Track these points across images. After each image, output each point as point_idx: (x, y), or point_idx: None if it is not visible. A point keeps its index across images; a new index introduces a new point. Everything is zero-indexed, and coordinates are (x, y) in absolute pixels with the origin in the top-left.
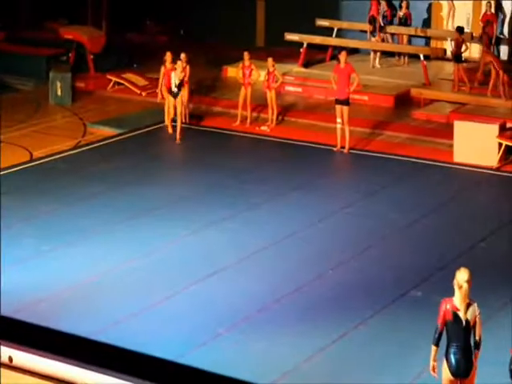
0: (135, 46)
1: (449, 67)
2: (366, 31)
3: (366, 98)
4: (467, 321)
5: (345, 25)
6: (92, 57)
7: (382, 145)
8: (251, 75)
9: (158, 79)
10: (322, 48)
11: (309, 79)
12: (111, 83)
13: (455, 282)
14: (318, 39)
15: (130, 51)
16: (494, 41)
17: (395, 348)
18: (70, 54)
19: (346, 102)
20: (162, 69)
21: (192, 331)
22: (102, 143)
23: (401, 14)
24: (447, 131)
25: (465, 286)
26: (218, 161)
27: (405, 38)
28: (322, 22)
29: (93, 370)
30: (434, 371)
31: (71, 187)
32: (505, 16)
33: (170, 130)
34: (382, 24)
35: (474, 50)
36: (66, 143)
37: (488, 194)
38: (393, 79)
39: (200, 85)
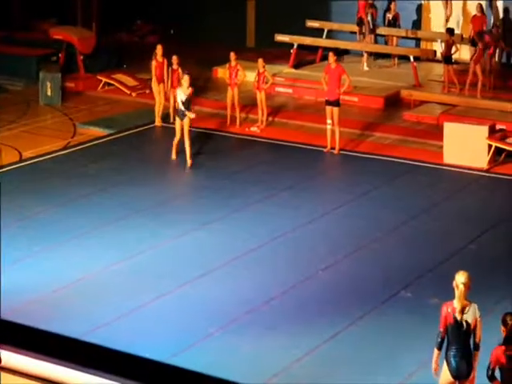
0: (125, 47)
1: (439, 69)
2: (356, 32)
3: (356, 99)
4: (467, 323)
5: (335, 26)
6: (82, 57)
7: (372, 146)
8: (237, 76)
9: (148, 80)
10: (313, 49)
11: (299, 80)
12: (101, 84)
13: (454, 283)
14: (308, 40)
15: (120, 52)
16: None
17: (385, 349)
18: (60, 55)
19: (336, 103)
20: (153, 62)
21: (182, 332)
22: (91, 144)
23: (390, 15)
24: (437, 133)
25: (461, 287)
26: (208, 162)
27: (394, 40)
28: (313, 23)
29: (83, 371)
30: (436, 374)
31: (61, 188)
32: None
33: (175, 156)
34: (372, 26)
35: (464, 52)
36: (56, 143)
37: (478, 195)
38: (383, 80)
39: (191, 85)
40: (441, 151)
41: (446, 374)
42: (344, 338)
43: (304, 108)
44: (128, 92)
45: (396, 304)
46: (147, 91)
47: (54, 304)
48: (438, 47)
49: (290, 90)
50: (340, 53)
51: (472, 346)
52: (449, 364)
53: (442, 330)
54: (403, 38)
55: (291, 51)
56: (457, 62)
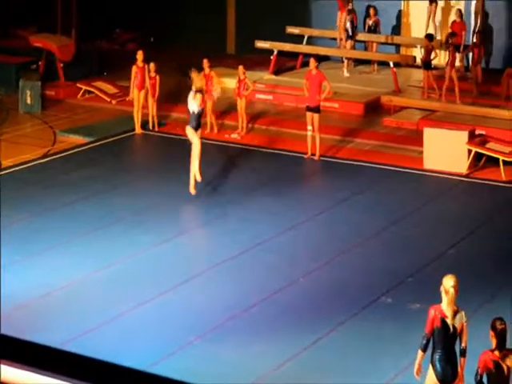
0: (105, 55)
1: (418, 74)
2: (336, 39)
3: (336, 105)
4: (454, 327)
5: (315, 32)
6: (62, 65)
7: (352, 152)
8: (212, 83)
9: (128, 87)
10: (293, 55)
11: (279, 87)
12: (81, 91)
13: (442, 288)
14: (288, 46)
15: (100, 59)
16: (462, 48)
17: (366, 354)
18: (40, 63)
19: (316, 110)
20: (134, 68)
21: (163, 340)
22: (72, 152)
23: (370, 21)
24: (417, 138)
25: (451, 291)
26: (188, 169)
27: (374, 46)
28: (293, 30)
29: (62, 380)
30: (418, 375)
31: (41, 197)
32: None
33: (193, 190)
34: (351, 32)
35: (444, 58)
36: (36, 152)
37: (458, 200)
38: (363, 87)
39: (170, 93)
40: (421, 157)
41: (431, 378)
42: (325, 344)
43: (284, 114)
44: (108, 100)
45: (377, 309)
46: (127, 99)
47: (34, 313)
48: (418, 53)
49: (270, 97)
50: (320, 59)
51: (458, 352)
52: (434, 368)
53: (428, 332)
54: (383, 43)
55: (271, 57)
56: (436, 68)
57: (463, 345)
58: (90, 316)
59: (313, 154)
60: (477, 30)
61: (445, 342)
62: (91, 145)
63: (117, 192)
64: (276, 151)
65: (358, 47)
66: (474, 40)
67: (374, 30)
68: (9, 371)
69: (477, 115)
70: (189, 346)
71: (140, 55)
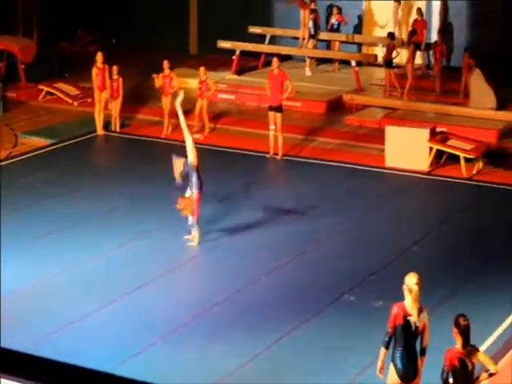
0: (67, 56)
1: (380, 73)
2: (298, 38)
3: (298, 104)
4: (416, 326)
5: (278, 32)
6: (23, 67)
7: (314, 151)
8: (171, 84)
9: (90, 89)
10: (256, 55)
11: (242, 86)
12: (43, 93)
13: (405, 286)
14: (250, 46)
15: (62, 61)
16: (423, 46)
17: (329, 352)
18: (1, 64)
19: (279, 109)
20: (94, 70)
21: (125, 341)
22: (33, 154)
23: (333, 20)
24: (379, 136)
25: (415, 288)
26: (150, 170)
27: (337, 45)
28: (255, 30)
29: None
30: (381, 373)
31: (2, 199)
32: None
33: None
34: (314, 31)
35: (405, 56)
36: None
37: (420, 197)
38: (325, 85)
39: (132, 94)
40: (383, 155)
41: (393, 376)
42: (288, 343)
43: (247, 114)
44: (70, 101)
45: (340, 307)
46: (89, 100)
47: None
48: (380, 52)
49: (232, 97)
50: (283, 58)
51: (418, 351)
52: (395, 366)
53: (390, 329)
54: (345, 42)
55: (234, 57)
56: (398, 66)
57: (424, 343)
58: (51, 319)
59: (275, 154)
60: (438, 28)
61: (406, 340)
62: (53, 147)
63: (77, 194)
64: (238, 151)
65: (320, 46)
66: (436, 38)
67: (337, 29)
68: None
69: (438, 113)
70: (151, 346)
71: (100, 57)
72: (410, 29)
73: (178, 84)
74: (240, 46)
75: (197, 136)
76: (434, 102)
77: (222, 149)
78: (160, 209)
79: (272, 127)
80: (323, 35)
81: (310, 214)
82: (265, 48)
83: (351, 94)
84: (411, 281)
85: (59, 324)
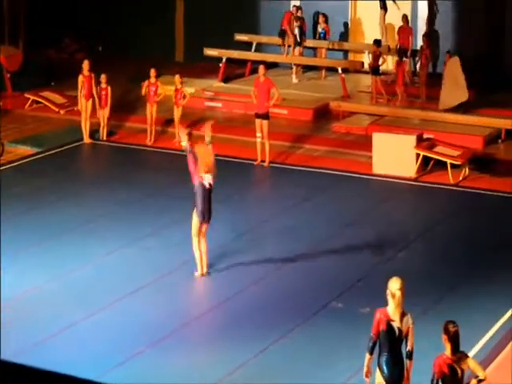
0: (53, 64)
1: (367, 80)
2: (285, 45)
3: (285, 111)
4: (400, 330)
5: (264, 39)
6: (9, 75)
7: (301, 158)
8: (157, 93)
9: (76, 97)
10: (242, 63)
11: (228, 94)
12: (29, 102)
13: (388, 291)
14: (236, 54)
15: (48, 69)
16: (409, 53)
17: (317, 359)
18: None
19: (265, 116)
20: (80, 78)
21: (114, 349)
22: (20, 162)
23: (319, 28)
24: (366, 143)
25: (398, 294)
26: (138, 178)
27: (323, 52)
28: (241, 37)
29: None
30: (367, 377)
31: None
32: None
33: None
34: (299, 38)
35: (391, 63)
36: None
37: (407, 204)
38: (312, 93)
39: (120, 102)
40: (370, 161)
41: (379, 380)
42: (276, 350)
43: (233, 121)
44: (56, 110)
45: (327, 315)
46: (76, 108)
47: None
48: (366, 58)
49: (219, 104)
50: (269, 66)
51: (404, 355)
52: (381, 370)
53: (373, 335)
54: (332, 49)
55: (220, 65)
56: (384, 73)
57: (409, 348)
58: (40, 327)
59: (262, 161)
60: (424, 32)
61: (391, 345)
62: (40, 155)
63: (65, 202)
64: (226, 158)
65: (306, 54)
66: (422, 44)
67: (323, 37)
68: None
69: (425, 119)
70: (140, 354)
71: (86, 65)
72: (396, 36)
73: (163, 92)
74: (226, 53)
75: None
76: (421, 109)
77: None
78: (148, 216)
79: (259, 134)
80: (309, 42)
81: (296, 221)
82: (251, 55)
83: (338, 101)
84: (394, 286)
85: (47, 333)
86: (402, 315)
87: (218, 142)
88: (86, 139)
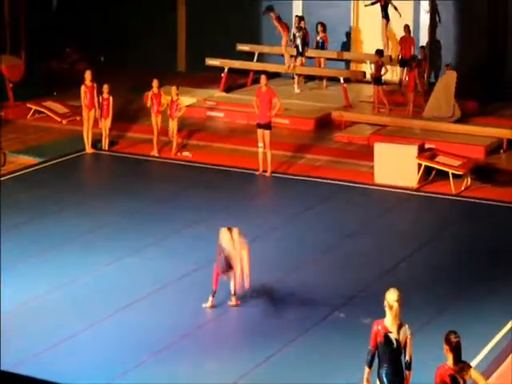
0: (55, 74)
1: (368, 90)
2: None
3: (287, 121)
4: (398, 342)
5: (266, 49)
6: (11, 85)
7: (303, 168)
8: (160, 103)
9: (78, 107)
10: (244, 73)
11: (230, 104)
12: (31, 111)
13: (385, 302)
14: (238, 64)
15: (50, 79)
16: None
17: (320, 369)
18: None
19: (267, 126)
20: (83, 88)
21: (115, 360)
22: (22, 172)
23: (318, 38)
24: (368, 153)
25: (395, 305)
26: (140, 188)
27: (322, 62)
28: (243, 47)
29: None
30: None
31: None
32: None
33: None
34: (302, 48)
35: (393, 73)
36: None
37: (408, 214)
38: (313, 102)
39: (121, 112)
40: (372, 171)
41: None
42: (278, 361)
43: (235, 131)
44: (58, 119)
45: (330, 325)
46: (78, 118)
47: None
48: (368, 68)
49: (221, 114)
50: (271, 76)
51: (403, 365)
52: (381, 382)
53: (372, 347)
54: (333, 59)
55: (222, 75)
56: (386, 83)
57: (407, 358)
58: (40, 337)
59: (264, 171)
60: (420, 45)
61: (390, 357)
62: (42, 165)
63: (67, 212)
64: (228, 168)
65: (308, 64)
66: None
67: (321, 46)
68: None
69: (426, 129)
70: (141, 365)
71: (88, 75)
72: (398, 47)
73: (165, 102)
74: (228, 63)
75: (186, 153)
76: (422, 119)
77: (211, 166)
78: (150, 226)
79: (261, 144)
80: (311, 52)
81: (298, 230)
82: (253, 65)
83: (340, 111)
84: (391, 297)
85: (49, 343)
86: (400, 326)
87: (220, 152)
88: (88, 149)
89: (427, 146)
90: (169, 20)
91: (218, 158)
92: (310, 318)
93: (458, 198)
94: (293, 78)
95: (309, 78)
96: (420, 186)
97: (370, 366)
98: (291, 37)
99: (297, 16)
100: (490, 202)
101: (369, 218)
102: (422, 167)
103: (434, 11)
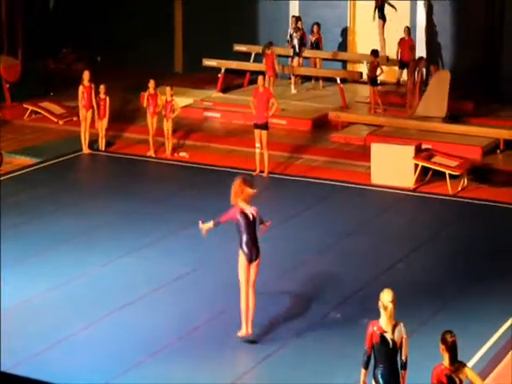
0: (52, 75)
1: (365, 90)
2: (283, 56)
3: (284, 122)
4: (394, 342)
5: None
6: (8, 86)
7: (300, 168)
8: (156, 104)
9: (75, 107)
10: (241, 73)
11: (227, 104)
12: (28, 112)
13: (380, 303)
14: (235, 64)
15: (47, 79)
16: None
17: (316, 369)
18: None
19: (264, 127)
20: (81, 88)
21: (112, 360)
22: (19, 173)
23: (312, 38)
24: (364, 153)
25: (390, 306)
26: (137, 188)
27: (318, 62)
28: (240, 47)
29: None
30: None
31: None
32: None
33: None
34: (299, 49)
35: (391, 73)
36: None
37: (405, 214)
38: (310, 103)
39: (118, 112)
40: (368, 172)
41: None
42: (274, 361)
43: (232, 132)
44: (55, 120)
45: (326, 325)
46: (74, 118)
47: None
48: (364, 69)
49: (218, 115)
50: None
51: (399, 365)
52: (377, 382)
53: (367, 348)
54: (329, 60)
55: (219, 75)
56: (382, 84)
57: (403, 358)
58: (38, 338)
59: (261, 171)
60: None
61: (386, 357)
62: (38, 166)
63: (64, 212)
64: (225, 169)
65: (305, 64)
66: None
67: (316, 46)
68: None
69: (423, 130)
70: (139, 365)
71: (86, 75)
72: (397, 48)
73: (162, 103)
74: (225, 64)
75: (182, 154)
76: (419, 119)
77: (207, 167)
78: (146, 227)
79: (258, 145)
80: (308, 53)
81: (295, 231)
82: (250, 66)
83: (337, 112)
84: (386, 298)
85: (46, 343)
86: (395, 326)
87: (217, 153)
88: (85, 149)
89: (424, 146)
90: (166, 20)
91: (215, 159)
92: (306, 318)
93: (455, 199)
94: (289, 79)
95: (305, 79)
96: (417, 186)
97: (366, 367)
98: (288, 37)
99: (293, 16)
100: (486, 203)
101: (365, 219)
102: (419, 168)
103: (430, 12)
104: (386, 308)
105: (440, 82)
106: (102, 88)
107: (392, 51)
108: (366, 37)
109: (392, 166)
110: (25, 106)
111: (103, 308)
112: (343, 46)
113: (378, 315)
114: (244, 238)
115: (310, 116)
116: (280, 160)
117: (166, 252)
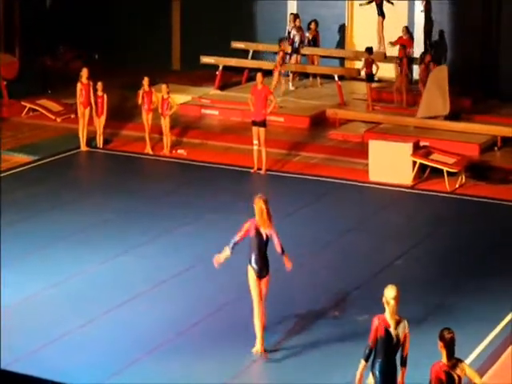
0: (49, 72)
1: (363, 87)
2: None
3: (281, 119)
4: (397, 337)
5: (260, 47)
6: (5, 83)
7: (298, 166)
8: (151, 101)
9: (72, 105)
10: (239, 70)
11: (225, 102)
12: (26, 109)
13: (384, 298)
14: (233, 61)
15: (45, 77)
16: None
17: (315, 368)
18: None
19: (262, 124)
20: (79, 85)
21: (110, 358)
22: (17, 170)
23: (309, 35)
24: (362, 151)
25: (392, 302)
26: (134, 186)
27: (315, 59)
28: (238, 45)
29: None
30: None
31: None
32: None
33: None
34: (297, 46)
35: (388, 70)
36: None
37: (403, 211)
38: (308, 100)
39: (116, 110)
40: (366, 169)
41: None
42: (272, 359)
43: (230, 129)
44: (53, 117)
45: (325, 322)
46: (72, 116)
47: None
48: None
49: (216, 112)
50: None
51: (400, 361)
52: (374, 375)
53: (371, 342)
54: (327, 57)
55: (217, 73)
56: (379, 81)
57: (404, 354)
58: (36, 335)
59: (259, 169)
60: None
61: (387, 352)
62: (36, 163)
63: (62, 210)
64: (223, 166)
65: (303, 62)
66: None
67: (313, 43)
68: None
69: (421, 127)
70: (136, 362)
71: (85, 73)
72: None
73: (157, 100)
74: (223, 61)
75: (181, 151)
76: (416, 116)
77: (205, 164)
78: (144, 224)
79: (255, 142)
80: (305, 50)
81: (293, 228)
82: (248, 63)
83: (334, 109)
84: (389, 294)
85: (44, 341)
86: (398, 322)
87: (215, 150)
88: (83, 147)
89: (422, 143)
90: (163, 18)
91: (213, 156)
92: (304, 317)
93: (453, 196)
94: (287, 76)
95: (303, 76)
96: (415, 183)
97: (367, 359)
98: (286, 34)
99: (292, 14)
100: (484, 200)
101: (364, 216)
102: (417, 165)
103: (428, 11)
104: (388, 303)
105: (439, 79)
106: (99, 85)
107: (391, 50)
108: (363, 34)
109: (390, 163)
110: (22, 103)
111: (101, 305)
112: (341, 44)
113: (377, 312)
114: (254, 255)
115: (307, 113)
116: (278, 157)
117: (164, 249)
